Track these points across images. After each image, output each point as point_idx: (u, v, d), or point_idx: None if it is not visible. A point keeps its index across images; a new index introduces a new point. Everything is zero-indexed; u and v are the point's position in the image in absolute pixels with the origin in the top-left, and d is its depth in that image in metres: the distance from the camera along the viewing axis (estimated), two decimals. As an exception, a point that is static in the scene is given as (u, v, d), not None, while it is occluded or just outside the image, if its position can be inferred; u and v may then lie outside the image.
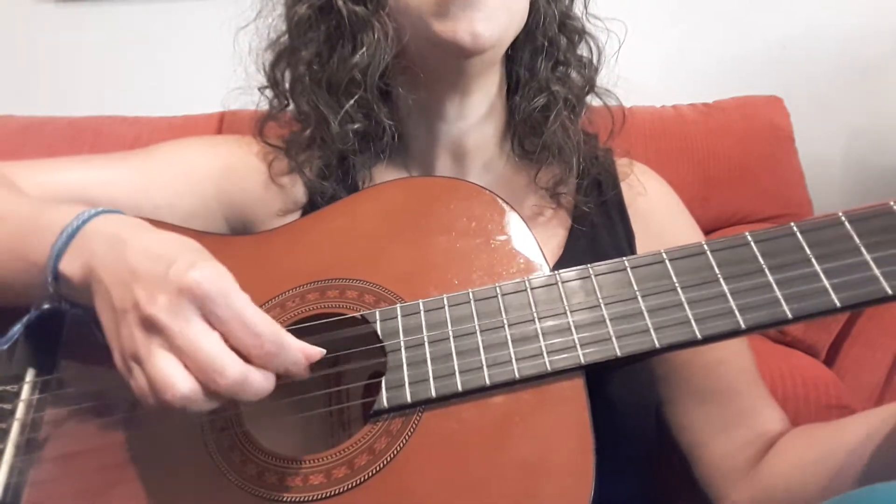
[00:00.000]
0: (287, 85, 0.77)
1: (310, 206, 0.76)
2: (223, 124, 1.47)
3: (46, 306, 0.57)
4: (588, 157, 0.77)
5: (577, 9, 0.79)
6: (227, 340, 0.48)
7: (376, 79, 0.70)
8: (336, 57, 0.71)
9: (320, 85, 0.72)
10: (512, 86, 0.78)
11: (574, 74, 0.77)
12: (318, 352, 0.52)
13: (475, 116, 0.75)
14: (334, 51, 0.72)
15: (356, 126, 0.72)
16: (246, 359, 0.48)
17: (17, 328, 0.57)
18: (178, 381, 0.46)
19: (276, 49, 0.77)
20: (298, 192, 0.77)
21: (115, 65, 1.72)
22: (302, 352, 0.51)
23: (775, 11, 1.69)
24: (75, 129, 1.43)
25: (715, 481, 0.73)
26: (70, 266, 0.54)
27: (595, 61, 0.79)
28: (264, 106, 0.81)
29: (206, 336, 0.47)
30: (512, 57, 0.77)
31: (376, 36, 0.68)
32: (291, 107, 0.78)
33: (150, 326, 0.48)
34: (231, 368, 0.47)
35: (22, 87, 1.70)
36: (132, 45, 1.72)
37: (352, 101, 0.71)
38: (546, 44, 0.75)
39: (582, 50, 0.78)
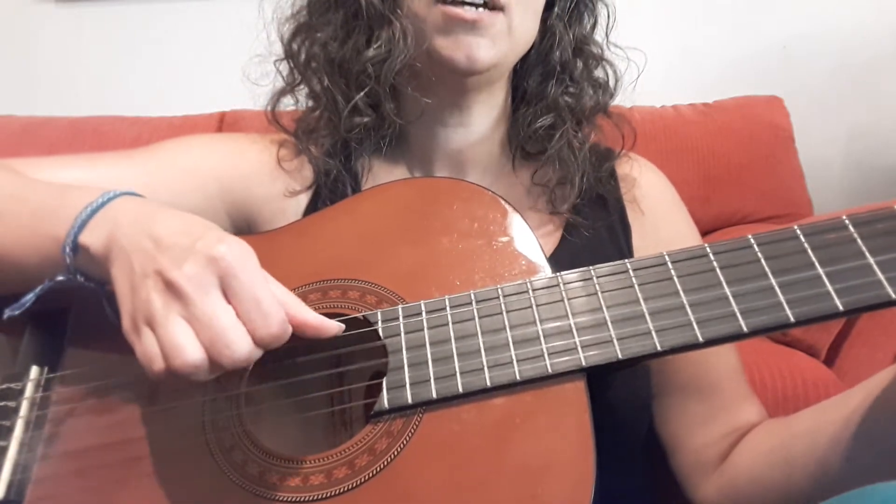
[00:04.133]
0: (302, 60, 0.77)
1: (315, 186, 0.76)
2: (223, 124, 1.47)
3: (60, 278, 0.57)
4: (592, 175, 0.76)
5: (599, 34, 0.79)
6: (237, 314, 0.49)
7: (391, 76, 0.71)
8: (350, 44, 0.72)
9: (332, 67, 0.73)
10: (518, 97, 0.78)
11: (587, 96, 0.77)
12: (335, 326, 0.54)
13: (476, 126, 0.76)
14: (349, 38, 0.72)
15: (365, 119, 0.73)
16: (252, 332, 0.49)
17: (29, 296, 0.57)
18: (189, 350, 0.47)
19: (296, 22, 0.77)
20: (306, 173, 0.77)
21: (115, 65, 1.72)
22: (320, 326, 0.52)
23: (775, 12, 1.70)
24: (75, 129, 1.43)
25: (688, 473, 0.74)
26: (91, 236, 0.54)
27: (612, 86, 0.79)
28: (264, 97, 0.80)
29: (221, 308, 0.48)
30: (520, 72, 0.77)
31: (396, 35, 0.69)
32: (303, 86, 0.78)
33: (172, 292, 0.48)
34: (238, 345, 0.48)
35: (22, 87, 1.70)
36: (132, 45, 1.72)
37: (362, 94, 0.72)
38: (559, 68, 0.75)
39: (598, 72, 0.78)
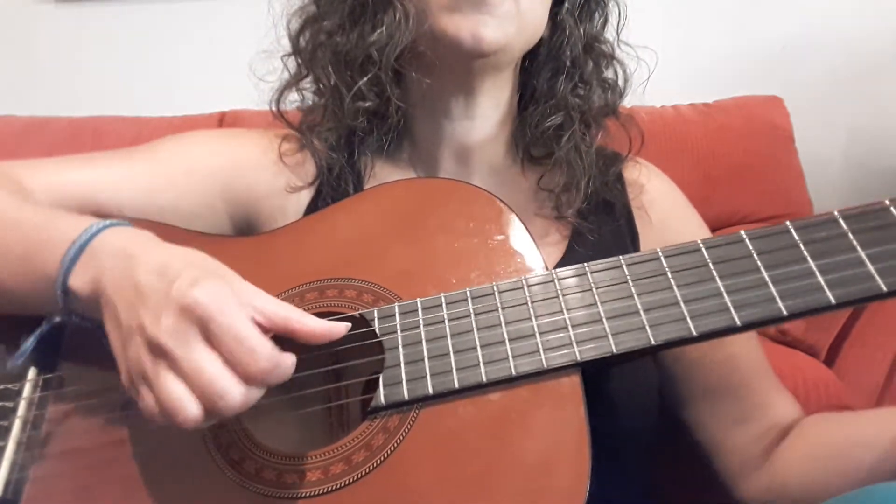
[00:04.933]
0: (308, 52, 0.77)
1: (318, 182, 0.76)
2: (223, 124, 1.47)
3: (57, 319, 0.57)
4: (598, 179, 0.76)
5: (609, 33, 0.78)
6: (224, 358, 0.48)
7: (392, 59, 0.70)
8: (356, 32, 0.71)
9: (338, 56, 0.73)
10: (526, 97, 0.78)
11: (596, 96, 0.77)
12: (342, 327, 0.53)
13: (481, 118, 0.75)
14: (355, 26, 0.72)
15: (367, 104, 0.72)
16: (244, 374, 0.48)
17: (30, 342, 0.57)
18: (187, 407, 0.47)
19: (304, 16, 0.77)
20: (308, 168, 0.77)
21: (115, 65, 1.72)
22: (327, 332, 0.52)
23: (775, 11, 1.69)
24: (75, 129, 1.43)
25: (733, 474, 0.74)
26: (79, 281, 0.54)
27: (621, 86, 0.78)
28: (263, 98, 0.80)
29: (206, 360, 0.47)
30: (530, 70, 0.77)
31: (397, 17, 0.68)
32: (309, 82, 0.78)
33: (156, 349, 0.48)
34: (230, 394, 0.47)
35: (22, 87, 1.70)
36: (132, 45, 1.72)
37: (365, 79, 0.71)
38: (569, 64, 0.75)
39: (608, 73, 0.78)
